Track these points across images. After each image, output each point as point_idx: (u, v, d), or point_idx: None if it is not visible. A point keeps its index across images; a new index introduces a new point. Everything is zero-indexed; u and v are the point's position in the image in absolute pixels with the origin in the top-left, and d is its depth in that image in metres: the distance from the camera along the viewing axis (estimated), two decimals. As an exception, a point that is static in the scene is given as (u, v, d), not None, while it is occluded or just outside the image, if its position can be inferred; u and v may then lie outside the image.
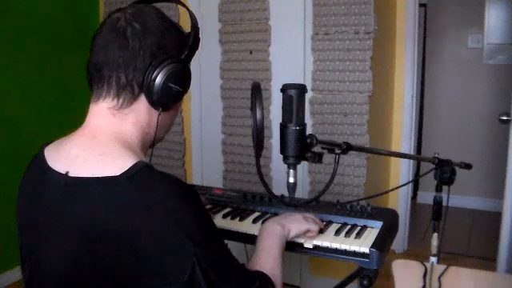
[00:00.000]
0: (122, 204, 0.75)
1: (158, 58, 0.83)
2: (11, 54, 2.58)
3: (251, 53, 2.51)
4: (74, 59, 2.94)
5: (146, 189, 0.76)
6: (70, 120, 3.06)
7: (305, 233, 1.14)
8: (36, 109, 2.72)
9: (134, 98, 0.84)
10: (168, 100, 0.86)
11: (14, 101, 2.61)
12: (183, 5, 0.95)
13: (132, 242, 0.74)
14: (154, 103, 0.85)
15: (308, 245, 1.16)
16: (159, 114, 0.87)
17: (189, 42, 0.88)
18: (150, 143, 0.91)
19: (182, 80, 0.86)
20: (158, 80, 0.82)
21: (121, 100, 0.84)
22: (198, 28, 0.90)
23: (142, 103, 0.85)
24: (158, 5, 0.97)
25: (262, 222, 1.31)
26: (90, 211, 0.76)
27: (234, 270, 0.83)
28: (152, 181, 0.77)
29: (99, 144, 0.82)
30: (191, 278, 0.74)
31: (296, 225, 1.12)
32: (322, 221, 1.31)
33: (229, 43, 2.55)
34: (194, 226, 0.77)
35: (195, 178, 2.79)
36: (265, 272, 0.92)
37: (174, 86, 0.84)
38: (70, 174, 0.80)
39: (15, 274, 2.65)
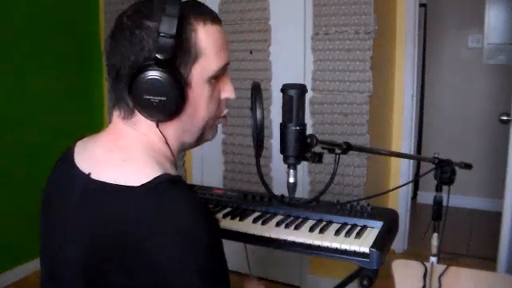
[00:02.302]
0: (136, 217, 0.71)
1: (135, 67, 0.75)
2: (11, 53, 2.58)
3: (251, 53, 2.51)
4: (74, 59, 2.95)
5: (163, 206, 0.71)
6: (71, 120, 3.06)
7: None
8: (36, 108, 2.72)
9: (132, 109, 0.80)
10: (154, 113, 0.77)
11: (13, 99, 2.61)
12: None
13: (138, 255, 0.70)
14: (144, 115, 0.78)
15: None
16: (157, 127, 0.80)
17: (164, 40, 0.73)
18: (180, 149, 0.87)
19: (162, 88, 0.74)
20: (136, 93, 0.75)
21: (122, 112, 0.81)
22: (181, 13, 0.74)
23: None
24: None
25: (262, 223, 1.31)
26: (103, 218, 0.74)
27: None
28: (172, 199, 0.72)
29: (122, 147, 0.79)
30: None
31: None
32: (322, 221, 1.31)
33: (229, 43, 2.54)
34: (209, 261, 0.71)
35: (195, 178, 2.79)
36: None
37: (152, 97, 0.74)
38: (92, 176, 0.77)
39: (15, 274, 2.65)
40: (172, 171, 0.81)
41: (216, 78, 0.84)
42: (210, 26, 0.81)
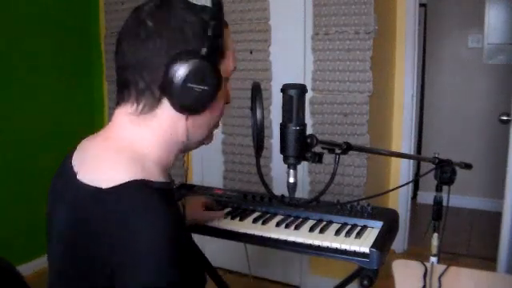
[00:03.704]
0: (97, 218, 0.72)
1: (174, 56, 0.75)
2: (11, 53, 2.58)
3: (251, 53, 2.51)
4: (74, 59, 2.95)
5: (122, 210, 0.71)
6: (71, 120, 3.06)
7: None
8: (36, 108, 2.72)
9: (156, 102, 0.78)
10: (192, 102, 0.77)
11: (13, 99, 2.61)
12: None
13: (99, 259, 0.70)
14: (177, 107, 0.77)
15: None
16: (186, 119, 0.80)
17: (210, 33, 0.76)
18: (182, 149, 0.86)
19: (205, 77, 0.76)
20: (176, 81, 0.74)
21: (141, 105, 0.78)
22: (222, 13, 0.78)
23: (166, 108, 0.78)
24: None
25: (262, 223, 1.31)
26: (74, 217, 0.76)
27: None
28: (133, 205, 0.71)
29: (107, 149, 0.79)
30: None
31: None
32: (323, 221, 1.31)
33: (229, 43, 2.55)
34: (161, 276, 0.68)
35: (195, 178, 2.79)
36: None
37: (195, 85, 0.75)
38: (78, 176, 0.78)
39: (15, 274, 2.65)
40: (156, 174, 0.79)
41: (227, 80, 0.86)
42: (227, 28, 0.84)
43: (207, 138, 0.89)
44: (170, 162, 0.85)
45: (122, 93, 0.81)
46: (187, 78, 0.75)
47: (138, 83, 0.78)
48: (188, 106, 0.77)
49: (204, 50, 0.76)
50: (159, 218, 0.70)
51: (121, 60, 0.80)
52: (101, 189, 0.73)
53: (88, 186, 0.75)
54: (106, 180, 0.73)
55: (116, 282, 0.69)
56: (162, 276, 0.68)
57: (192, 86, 0.75)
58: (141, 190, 0.73)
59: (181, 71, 0.74)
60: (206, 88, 0.76)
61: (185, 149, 0.87)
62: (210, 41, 0.76)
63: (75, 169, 0.80)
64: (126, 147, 0.79)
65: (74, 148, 0.87)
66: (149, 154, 0.80)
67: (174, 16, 0.77)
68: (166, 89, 0.76)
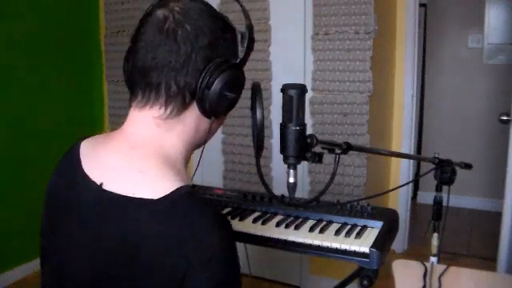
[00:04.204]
0: (154, 231, 0.69)
1: (211, 63, 0.76)
2: (11, 52, 2.58)
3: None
4: (74, 59, 2.95)
5: (183, 221, 0.69)
6: (72, 120, 3.06)
7: None
8: (36, 108, 2.72)
9: (185, 106, 0.77)
10: (222, 108, 0.79)
11: (13, 99, 2.61)
12: (237, 0, 0.87)
13: (151, 269, 0.69)
14: (206, 112, 0.78)
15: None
16: (212, 123, 0.82)
17: (244, 44, 0.80)
18: (194, 149, 0.87)
19: (236, 86, 0.80)
20: (214, 88, 0.76)
21: (169, 109, 0.76)
22: (253, 27, 0.82)
23: (193, 112, 0.79)
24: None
25: (262, 223, 1.31)
26: (120, 231, 0.72)
27: None
28: (191, 214, 0.71)
29: (138, 158, 0.76)
30: None
31: None
32: (323, 221, 1.31)
33: (229, 43, 2.55)
34: (223, 275, 0.71)
35: (195, 177, 2.78)
36: None
37: (228, 93, 0.78)
38: (105, 187, 0.74)
39: (15, 274, 2.65)
40: (186, 177, 0.81)
41: None
42: None
43: (204, 143, 0.90)
44: (189, 159, 0.87)
45: (147, 95, 0.77)
46: (225, 86, 0.77)
47: (171, 88, 0.75)
48: (218, 110, 0.80)
49: (238, 60, 0.80)
50: (216, 221, 0.72)
51: (144, 60, 0.76)
52: (151, 200, 0.70)
53: (128, 197, 0.72)
54: (151, 190, 0.71)
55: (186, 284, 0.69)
56: (233, 274, 0.73)
57: (227, 93, 0.78)
58: (190, 195, 0.73)
59: (220, 79, 0.77)
60: (235, 95, 0.80)
61: (196, 147, 0.88)
62: (243, 52, 0.81)
63: (95, 179, 0.76)
64: (158, 153, 0.77)
65: (75, 150, 0.82)
66: (179, 158, 0.81)
67: (210, 20, 0.78)
68: (200, 94, 0.77)
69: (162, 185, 0.72)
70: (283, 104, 0.89)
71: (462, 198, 3.55)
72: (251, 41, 0.81)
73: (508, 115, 2.17)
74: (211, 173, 2.71)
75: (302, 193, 2.39)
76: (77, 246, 0.77)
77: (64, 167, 0.84)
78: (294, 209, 1.34)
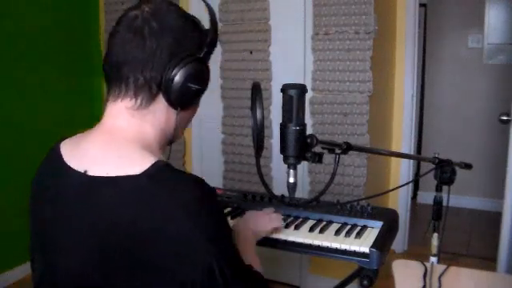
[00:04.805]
0: (142, 202, 0.75)
1: (175, 57, 0.82)
2: (11, 52, 2.58)
3: (251, 53, 2.51)
4: (73, 58, 2.95)
5: (167, 189, 0.76)
6: (71, 120, 3.06)
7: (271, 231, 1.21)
8: (36, 108, 2.72)
9: (153, 97, 0.83)
10: (187, 99, 0.85)
11: (13, 99, 2.61)
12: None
13: (150, 240, 0.74)
14: (172, 103, 0.84)
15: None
16: (178, 114, 0.86)
17: (207, 40, 0.86)
18: (168, 142, 0.91)
19: (200, 78, 0.85)
20: (177, 79, 0.81)
21: (139, 100, 0.83)
22: (217, 23, 0.89)
23: (161, 103, 0.84)
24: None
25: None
26: (109, 210, 0.76)
27: (244, 266, 0.88)
28: (173, 180, 0.77)
29: (118, 145, 0.82)
30: (209, 275, 0.75)
31: (263, 229, 1.19)
32: (322, 221, 1.31)
33: (229, 43, 2.55)
34: (214, 228, 0.79)
35: (195, 177, 2.79)
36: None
37: (192, 85, 0.83)
38: (89, 173, 0.79)
39: (15, 274, 2.65)
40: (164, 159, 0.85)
41: None
42: None
43: (177, 136, 0.93)
44: (163, 151, 0.91)
45: (119, 88, 0.83)
46: (188, 78, 0.82)
47: (138, 80, 0.82)
48: (182, 101, 0.85)
49: (202, 54, 0.85)
50: (195, 183, 0.79)
51: (117, 56, 0.82)
52: (134, 175, 0.76)
53: (113, 176, 0.77)
54: (133, 168, 0.76)
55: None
56: (220, 225, 0.82)
57: (191, 85, 0.83)
58: (167, 166, 0.79)
59: (183, 71, 0.82)
60: (199, 87, 0.85)
61: (168, 142, 0.92)
62: (207, 46, 0.86)
63: (78, 168, 0.81)
64: (134, 140, 0.83)
65: (55, 150, 0.88)
66: (154, 144, 0.85)
67: (176, 19, 0.84)
68: (166, 86, 0.82)
69: (142, 162, 0.78)
70: (283, 104, 0.89)
71: (461, 197, 3.55)
72: (214, 37, 0.87)
73: (508, 115, 2.17)
74: (211, 173, 2.71)
75: (302, 193, 2.39)
76: (68, 235, 0.81)
77: (47, 165, 0.91)
78: (293, 209, 1.34)
